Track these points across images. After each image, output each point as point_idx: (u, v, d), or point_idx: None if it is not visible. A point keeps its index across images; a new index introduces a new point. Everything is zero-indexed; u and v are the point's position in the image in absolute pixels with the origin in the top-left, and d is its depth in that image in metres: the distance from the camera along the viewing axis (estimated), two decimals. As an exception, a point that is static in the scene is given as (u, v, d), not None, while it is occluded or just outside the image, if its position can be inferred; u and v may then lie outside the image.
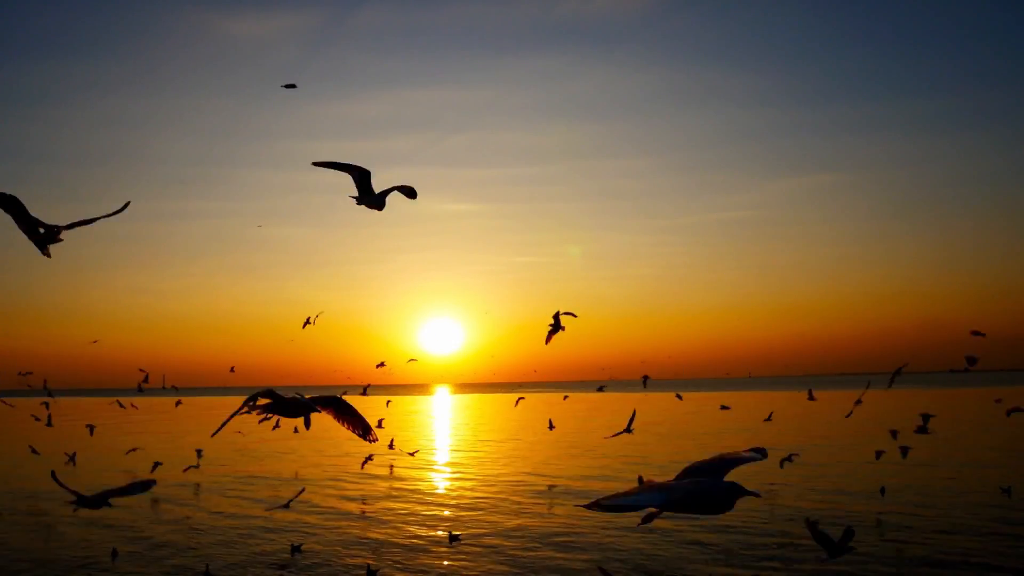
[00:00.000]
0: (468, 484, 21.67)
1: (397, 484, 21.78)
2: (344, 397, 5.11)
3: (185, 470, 22.68)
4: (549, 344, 7.48)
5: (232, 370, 22.16)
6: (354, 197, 6.00)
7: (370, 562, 11.94)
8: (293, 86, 4.40)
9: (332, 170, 5.87)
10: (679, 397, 39.90)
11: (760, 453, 3.34)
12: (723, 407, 31.84)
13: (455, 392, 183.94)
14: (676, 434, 37.19)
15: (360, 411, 5.13)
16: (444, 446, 35.29)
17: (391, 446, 22.72)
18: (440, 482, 22.50)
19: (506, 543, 13.76)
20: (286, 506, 15.96)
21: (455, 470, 25.34)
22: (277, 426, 24.69)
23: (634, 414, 13.58)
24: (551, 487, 20.48)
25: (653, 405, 61.05)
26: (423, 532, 15.01)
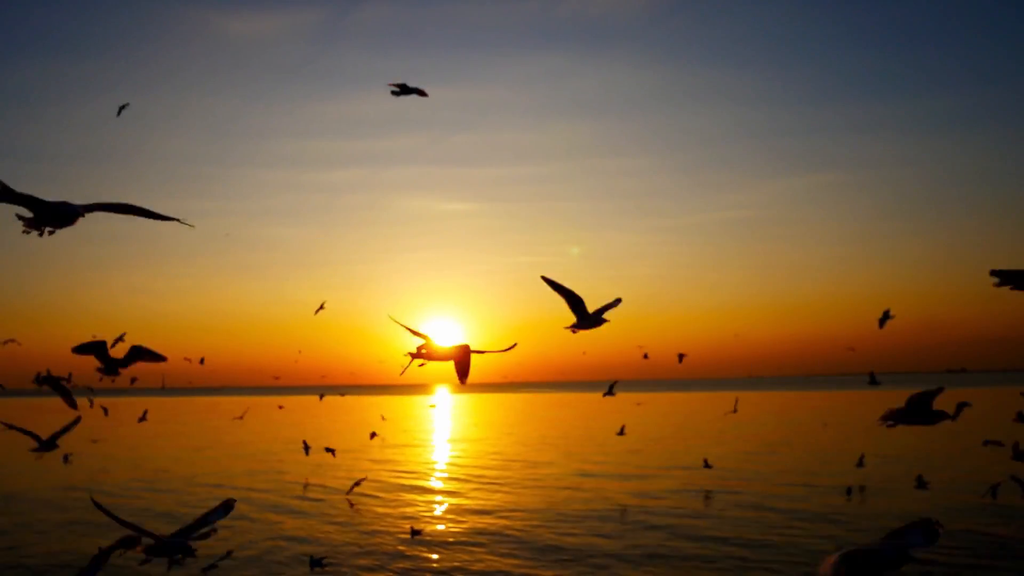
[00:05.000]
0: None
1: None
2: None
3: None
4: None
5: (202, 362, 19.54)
6: (570, 327, 5.49)
7: (313, 553, 11.79)
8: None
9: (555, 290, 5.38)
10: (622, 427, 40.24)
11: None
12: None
13: (455, 392, 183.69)
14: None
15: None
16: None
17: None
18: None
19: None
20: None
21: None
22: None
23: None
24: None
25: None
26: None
